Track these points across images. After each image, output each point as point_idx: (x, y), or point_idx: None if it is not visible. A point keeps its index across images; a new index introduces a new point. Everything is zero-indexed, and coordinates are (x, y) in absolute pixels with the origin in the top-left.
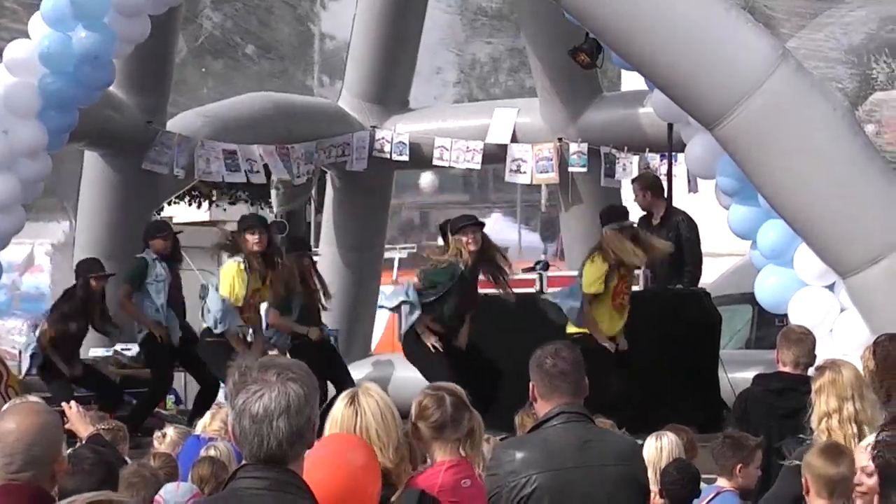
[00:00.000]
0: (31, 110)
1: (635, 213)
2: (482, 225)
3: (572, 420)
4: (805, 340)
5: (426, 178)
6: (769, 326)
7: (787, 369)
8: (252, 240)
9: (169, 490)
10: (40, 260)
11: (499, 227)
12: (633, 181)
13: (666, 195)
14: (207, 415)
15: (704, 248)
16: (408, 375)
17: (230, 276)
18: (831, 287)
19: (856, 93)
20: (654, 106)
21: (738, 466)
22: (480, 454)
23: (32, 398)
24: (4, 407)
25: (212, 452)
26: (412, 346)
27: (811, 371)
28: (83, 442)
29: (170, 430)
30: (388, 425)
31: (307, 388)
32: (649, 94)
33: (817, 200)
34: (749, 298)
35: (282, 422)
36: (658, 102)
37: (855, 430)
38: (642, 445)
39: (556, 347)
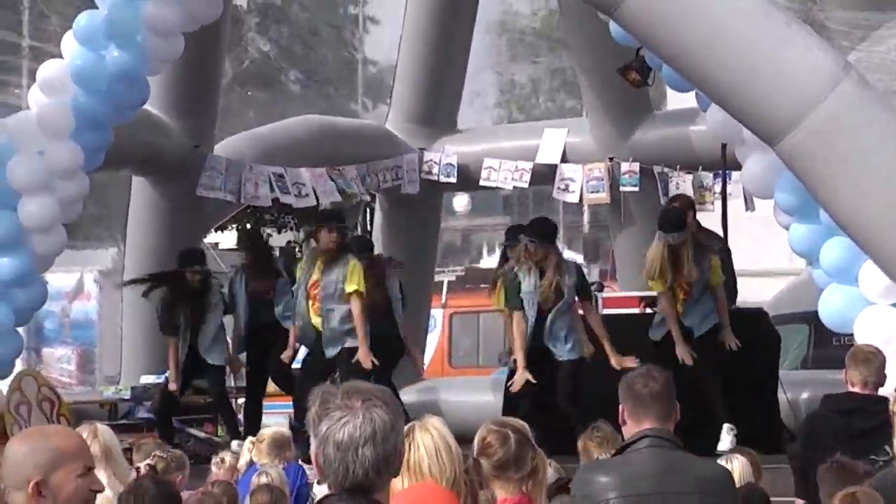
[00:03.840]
0: (65, 130)
1: None
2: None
3: (655, 445)
4: (873, 360)
5: (461, 201)
6: (826, 346)
7: (856, 389)
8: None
9: None
10: (89, 287)
11: None
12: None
13: (721, 214)
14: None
15: (761, 267)
16: (456, 400)
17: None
18: None
19: None
20: (709, 125)
21: None
22: (543, 493)
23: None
24: None
25: (263, 479)
26: None
27: (882, 391)
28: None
29: (228, 456)
30: (441, 462)
31: (393, 414)
32: (701, 112)
33: (882, 215)
34: (805, 317)
35: (367, 449)
36: (713, 121)
37: None
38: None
39: (647, 369)
